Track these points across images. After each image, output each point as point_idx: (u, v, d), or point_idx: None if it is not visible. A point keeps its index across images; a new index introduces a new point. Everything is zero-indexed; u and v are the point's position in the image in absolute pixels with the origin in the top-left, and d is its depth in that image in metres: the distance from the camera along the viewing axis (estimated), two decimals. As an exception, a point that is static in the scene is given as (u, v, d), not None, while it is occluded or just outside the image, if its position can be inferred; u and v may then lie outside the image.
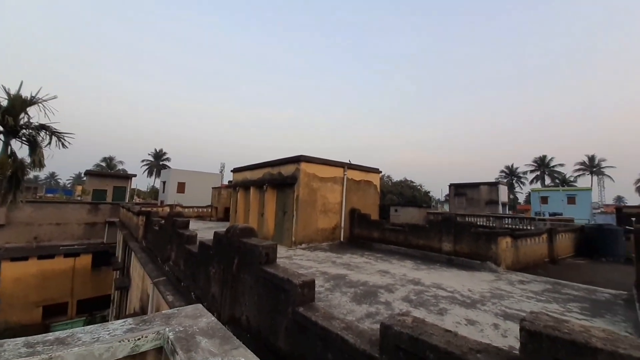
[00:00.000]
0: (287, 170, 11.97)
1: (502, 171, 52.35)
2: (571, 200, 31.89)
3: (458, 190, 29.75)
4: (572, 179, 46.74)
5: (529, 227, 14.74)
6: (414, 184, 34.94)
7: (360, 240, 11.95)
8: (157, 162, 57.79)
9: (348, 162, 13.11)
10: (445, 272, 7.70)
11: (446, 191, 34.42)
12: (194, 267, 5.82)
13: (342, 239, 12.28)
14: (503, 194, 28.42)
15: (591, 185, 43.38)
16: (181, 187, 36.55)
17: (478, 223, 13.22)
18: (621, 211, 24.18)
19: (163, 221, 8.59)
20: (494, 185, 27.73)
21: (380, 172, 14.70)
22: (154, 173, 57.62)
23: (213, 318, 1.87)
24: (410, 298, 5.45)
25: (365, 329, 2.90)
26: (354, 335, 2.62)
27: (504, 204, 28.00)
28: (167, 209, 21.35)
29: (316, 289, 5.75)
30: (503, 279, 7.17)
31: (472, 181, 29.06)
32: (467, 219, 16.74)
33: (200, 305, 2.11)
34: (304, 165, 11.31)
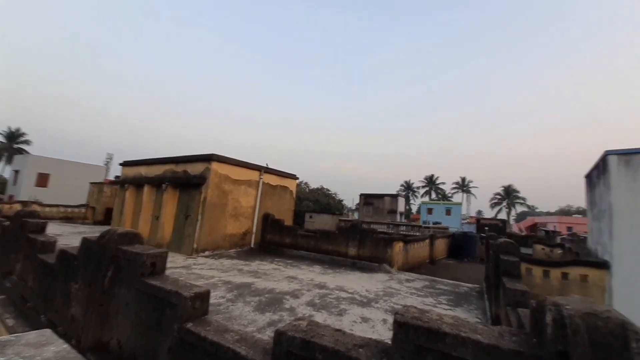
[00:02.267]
0: (194, 169, 10.85)
1: (402, 185, 61.70)
2: (448, 212, 40.12)
3: (367, 199, 33.30)
4: (450, 195, 59.04)
5: (417, 234, 17.71)
6: (330, 192, 37.24)
7: (272, 246, 11.80)
8: (10, 145, 43.44)
9: (265, 165, 12.89)
10: (349, 275, 8.37)
11: (357, 200, 38.13)
12: (48, 282, 4.55)
13: (252, 245, 11.85)
14: (401, 204, 33.39)
15: (462, 201, 55.86)
16: (43, 180, 28.35)
17: (379, 230, 15.05)
18: (479, 222, 31.94)
19: (8, 222, 6.45)
20: (394, 197, 32.28)
21: (297, 178, 15.02)
22: (3, 158, 43.04)
23: (65, 346, 1.46)
24: (315, 302, 5.65)
25: (261, 339, 2.80)
26: (247, 346, 2.49)
27: (401, 213, 32.91)
28: (18, 207, 16.20)
29: (216, 300, 5.32)
30: (394, 278, 8.30)
31: (378, 192, 33.10)
32: (371, 226, 18.87)
33: (48, 331, 1.62)
34: (215, 165, 10.48)
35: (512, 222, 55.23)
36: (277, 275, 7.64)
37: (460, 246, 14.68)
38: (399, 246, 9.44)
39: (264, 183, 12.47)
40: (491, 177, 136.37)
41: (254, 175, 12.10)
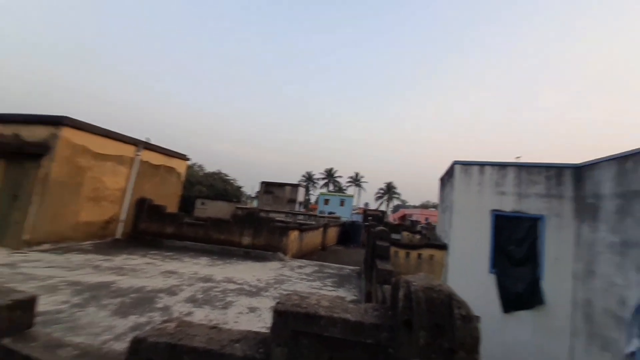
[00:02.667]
0: (32, 133, 8.06)
1: (303, 175, 64.73)
2: (342, 203, 44.87)
3: (268, 188, 33.26)
4: (345, 187, 66.03)
5: (313, 223, 19.02)
6: (228, 178, 35.14)
7: (147, 237, 10.15)
8: None
9: (145, 140, 10.86)
10: (240, 265, 8.13)
11: (258, 188, 37.49)
12: None
13: (119, 236, 9.88)
14: (301, 194, 35.03)
15: (354, 193, 63.47)
16: None
17: (277, 218, 15.35)
18: (365, 212, 37.07)
19: None
20: (295, 187, 33.53)
21: (188, 159, 13.40)
22: None
23: None
24: (196, 297, 5.19)
25: (114, 350, 2.33)
26: (89, 363, 2.00)
27: (300, 203, 34.55)
28: None
29: (55, 307, 4.13)
30: (287, 266, 8.63)
31: (280, 181, 33.58)
32: (270, 214, 19.00)
33: None
34: (67, 133, 8.07)
35: (389, 213, 66.81)
36: (150, 271, 6.61)
37: (348, 233, 16.69)
38: (294, 234, 9.84)
39: (142, 161, 10.49)
40: (378, 174, 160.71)
41: (127, 150, 9.99)
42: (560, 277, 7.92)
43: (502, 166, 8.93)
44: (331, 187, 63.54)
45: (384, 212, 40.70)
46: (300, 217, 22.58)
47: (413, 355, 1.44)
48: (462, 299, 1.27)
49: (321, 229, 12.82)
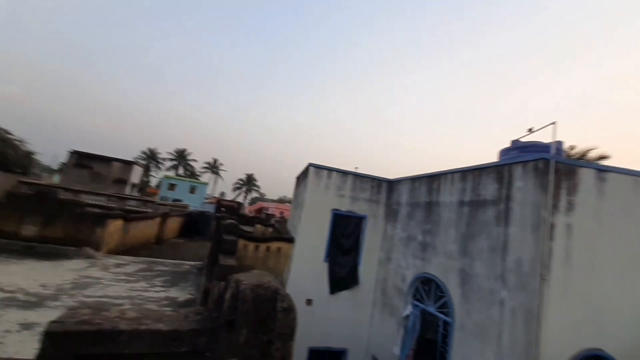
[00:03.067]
0: None
1: (143, 152, 53.91)
2: (193, 190, 40.62)
3: (82, 160, 25.26)
4: (199, 173, 60.17)
5: (149, 211, 16.09)
6: (10, 137, 24.10)
7: None
8: None
9: None
10: (14, 266, 5.68)
11: (65, 158, 27.56)
12: None
13: None
14: (136, 174, 28.95)
15: (209, 181, 58.94)
16: None
17: (94, 202, 11.86)
18: (219, 202, 35.13)
19: None
20: (129, 164, 27.30)
21: None
22: None
23: None
24: None
25: None
26: None
27: (134, 185, 28.48)
28: None
29: None
30: (99, 264, 6.78)
31: (105, 154, 26.24)
32: (80, 196, 14.35)
33: None
34: None
35: (247, 205, 66.75)
36: None
37: (195, 225, 15.23)
38: (115, 225, 7.88)
39: None
40: (241, 164, 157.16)
41: None
42: (370, 262, 10.35)
43: (344, 173, 10.71)
44: (181, 171, 56.33)
45: (240, 204, 40.07)
46: (132, 202, 18.54)
47: (232, 355, 1.38)
48: (286, 293, 1.33)
49: (158, 219, 11.00)
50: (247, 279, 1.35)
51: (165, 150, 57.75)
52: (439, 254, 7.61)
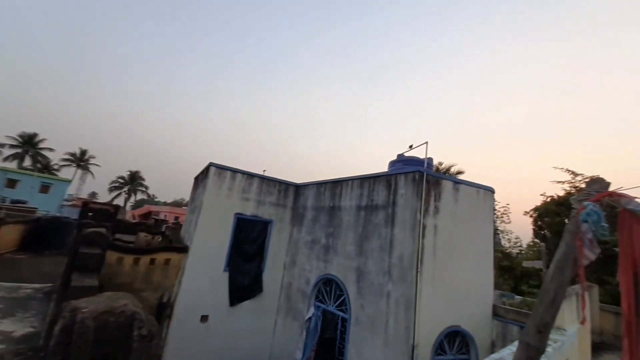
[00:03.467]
0: None
1: (-35, 135, 39.13)
2: (45, 188, 31.81)
3: None
4: (56, 167, 47.60)
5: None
6: None
7: None
8: None
9: None
10: None
11: None
12: None
13: None
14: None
15: (72, 178, 47.29)
16: None
17: None
18: (87, 205, 28.50)
19: None
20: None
21: None
22: None
23: None
24: None
25: None
26: None
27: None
28: None
29: None
30: None
31: None
32: None
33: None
34: None
35: (128, 208, 56.71)
36: None
37: (46, 234, 11.87)
38: None
39: None
40: (120, 160, 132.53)
41: None
42: (276, 267, 10.28)
43: (250, 175, 10.36)
44: (28, 162, 43.35)
45: (117, 207, 33.43)
46: None
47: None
48: (146, 317, 1.13)
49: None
50: (90, 305, 1.08)
51: (3, 134, 43.45)
52: (339, 255, 8.21)
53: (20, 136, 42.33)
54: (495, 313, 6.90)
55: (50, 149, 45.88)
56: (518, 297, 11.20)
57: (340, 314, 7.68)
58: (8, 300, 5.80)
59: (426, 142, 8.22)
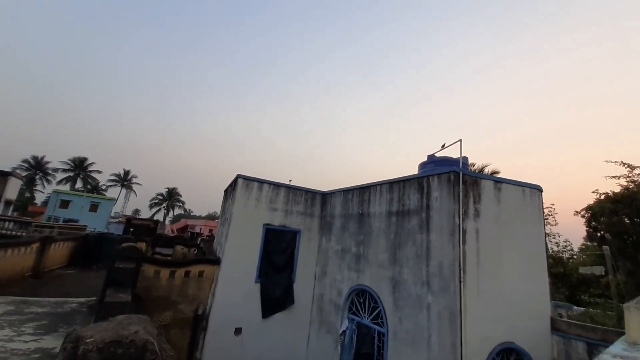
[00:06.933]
0: None
1: (25, 160, 43.93)
2: (94, 207, 34.41)
3: None
4: (104, 187, 51.66)
5: (22, 234, 12.81)
6: None
7: None
8: None
9: None
10: None
11: None
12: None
13: None
14: (14, 188, 23.20)
15: (118, 197, 51.00)
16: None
17: None
18: (130, 222, 30.41)
19: None
20: (4, 175, 21.74)
21: None
22: None
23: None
24: None
25: None
26: None
27: (9, 202, 22.65)
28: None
29: None
30: None
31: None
32: None
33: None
34: None
35: (167, 223, 59.78)
36: None
37: (92, 250, 12.67)
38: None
39: None
40: (158, 177, 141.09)
41: None
42: (306, 278, 10.06)
43: (277, 185, 10.36)
44: (79, 184, 47.43)
45: (157, 222, 35.28)
46: (8, 224, 14.46)
47: None
48: (161, 345, 0.99)
49: (35, 246, 8.74)
50: (96, 334, 0.95)
51: (58, 160, 48.14)
52: (372, 264, 7.82)
53: (72, 160, 46.54)
54: (555, 327, 6.11)
55: (99, 171, 49.94)
56: (577, 308, 9.98)
57: (377, 327, 7.25)
58: (53, 316, 6.07)
59: (460, 140, 7.68)
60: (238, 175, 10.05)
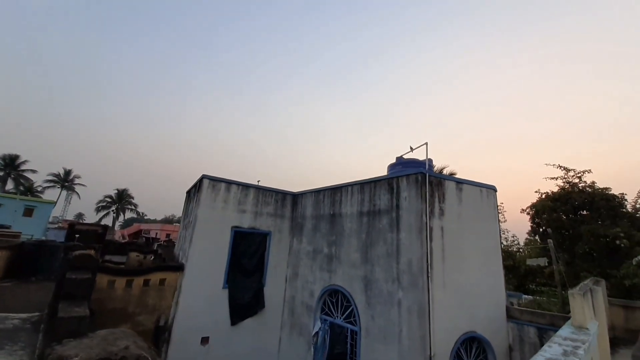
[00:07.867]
0: None
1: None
2: (29, 212, 30.55)
3: None
4: (40, 188, 46.12)
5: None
6: None
7: None
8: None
9: None
10: None
11: None
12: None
13: None
14: None
15: (57, 199, 45.80)
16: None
17: None
18: (73, 227, 27.50)
19: None
20: None
21: None
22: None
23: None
24: None
25: None
26: None
27: None
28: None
29: None
30: None
31: None
32: None
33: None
34: None
35: (117, 228, 55.12)
36: None
37: (31, 260, 11.23)
38: None
39: None
40: (106, 178, 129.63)
41: None
42: (277, 281, 9.92)
43: (245, 186, 10.08)
44: (10, 185, 41.86)
45: (106, 227, 32.27)
46: None
47: None
48: (155, 359, 0.92)
49: (-37, 257, 7.58)
50: (80, 351, 0.92)
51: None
52: (344, 264, 7.95)
53: (2, 158, 41.03)
54: (510, 315, 6.73)
55: (33, 171, 44.56)
56: (526, 297, 11.07)
57: (349, 326, 7.38)
58: (-9, 335, 5.31)
59: (426, 143, 8.14)
60: (203, 175, 9.61)
